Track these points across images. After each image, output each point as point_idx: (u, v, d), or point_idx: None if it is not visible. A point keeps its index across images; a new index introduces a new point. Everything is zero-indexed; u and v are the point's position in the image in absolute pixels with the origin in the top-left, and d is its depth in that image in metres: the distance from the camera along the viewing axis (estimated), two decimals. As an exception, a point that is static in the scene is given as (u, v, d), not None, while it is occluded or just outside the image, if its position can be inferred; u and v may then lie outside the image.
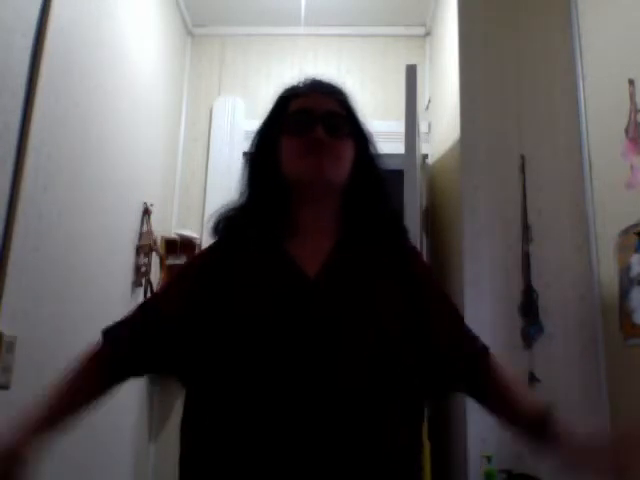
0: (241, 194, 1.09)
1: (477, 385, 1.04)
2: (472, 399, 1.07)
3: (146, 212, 2.57)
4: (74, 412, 0.96)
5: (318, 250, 1.00)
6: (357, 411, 0.87)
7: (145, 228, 2.56)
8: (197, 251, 2.88)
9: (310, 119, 1.02)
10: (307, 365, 0.88)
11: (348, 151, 1.04)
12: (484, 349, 1.07)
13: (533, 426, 0.95)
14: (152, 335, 1.00)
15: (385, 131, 3.01)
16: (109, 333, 1.05)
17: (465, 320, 1.11)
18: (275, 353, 0.89)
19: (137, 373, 1.05)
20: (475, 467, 1.89)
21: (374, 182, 1.08)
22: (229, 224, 1.07)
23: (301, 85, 1.11)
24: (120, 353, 1.01)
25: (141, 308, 1.08)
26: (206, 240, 2.94)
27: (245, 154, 1.11)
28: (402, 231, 1.10)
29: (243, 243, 1.03)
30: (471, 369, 1.03)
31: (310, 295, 0.95)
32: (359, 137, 1.08)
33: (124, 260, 2.40)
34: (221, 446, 0.88)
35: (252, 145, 1.11)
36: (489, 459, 1.84)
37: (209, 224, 1.09)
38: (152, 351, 1.00)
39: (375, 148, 1.10)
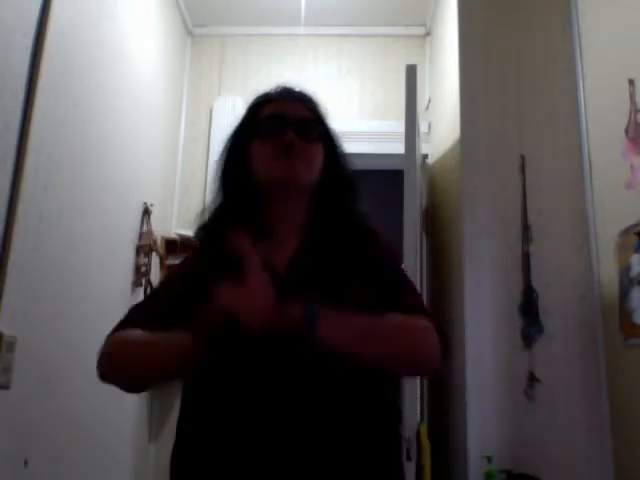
0: (214, 197, 1.13)
1: None
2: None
3: (146, 212, 2.57)
4: None
5: (287, 248, 1.05)
6: (330, 403, 0.91)
7: (145, 228, 2.56)
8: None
9: (282, 123, 1.06)
10: (280, 360, 0.92)
11: (318, 154, 1.09)
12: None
13: None
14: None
15: (385, 131, 3.02)
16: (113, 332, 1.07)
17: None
18: (248, 348, 0.91)
19: None
20: (475, 467, 1.89)
21: (342, 184, 1.12)
22: (205, 229, 1.12)
23: (273, 92, 1.15)
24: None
25: (136, 309, 1.12)
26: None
27: (217, 158, 1.15)
28: (367, 232, 1.12)
29: (217, 246, 1.06)
30: None
31: (280, 289, 0.96)
32: (328, 141, 1.13)
33: (124, 260, 2.40)
34: (199, 443, 0.93)
35: (224, 149, 1.15)
36: (489, 459, 1.84)
37: (193, 231, 1.15)
38: None
39: (343, 153, 1.15)
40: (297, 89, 1.16)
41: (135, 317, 1.09)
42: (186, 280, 1.07)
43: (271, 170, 1.05)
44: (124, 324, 1.08)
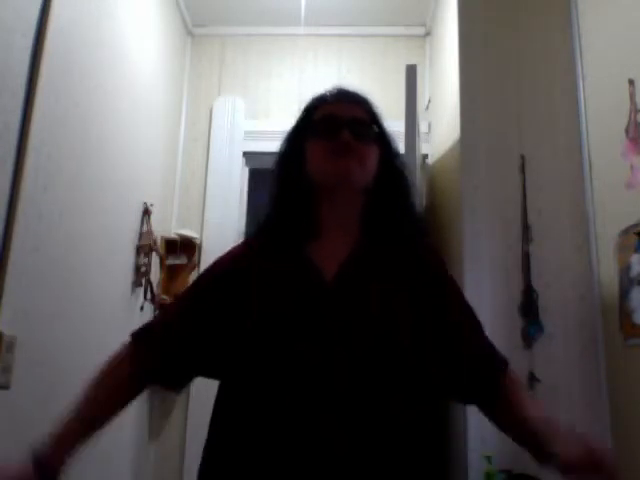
0: (270, 197, 1.12)
1: (491, 399, 1.06)
2: (484, 413, 1.08)
3: (146, 212, 2.57)
4: (105, 419, 0.99)
5: (338, 251, 1.04)
6: (369, 421, 0.90)
7: (145, 228, 2.56)
8: (197, 251, 2.88)
9: (337, 124, 1.06)
10: (320, 370, 0.91)
11: (373, 155, 1.08)
12: (504, 363, 1.10)
13: (536, 450, 0.96)
14: (182, 339, 1.04)
15: (385, 131, 3.01)
16: (138, 336, 1.07)
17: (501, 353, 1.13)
18: (290, 357, 0.93)
19: (167, 379, 1.06)
20: (475, 467, 1.89)
21: (397, 185, 1.12)
22: (257, 229, 1.12)
23: (327, 93, 1.15)
24: (152, 358, 1.03)
25: (167, 312, 1.12)
26: (206, 240, 2.95)
27: (274, 160, 1.15)
28: (422, 232, 1.13)
29: (266, 246, 1.07)
30: (489, 383, 1.06)
31: (325, 301, 0.98)
32: (383, 142, 1.12)
33: (124, 260, 2.40)
34: (239, 441, 0.92)
35: (280, 150, 1.15)
36: (489, 459, 1.84)
37: (247, 229, 1.16)
38: (183, 356, 1.03)
39: (398, 154, 1.15)
40: (352, 90, 1.16)
41: (163, 321, 1.10)
42: (224, 280, 1.06)
43: (326, 170, 1.05)
44: (152, 328, 1.09)
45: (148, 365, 1.03)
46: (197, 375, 1.07)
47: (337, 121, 1.06)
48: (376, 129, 1.11)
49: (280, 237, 1.06)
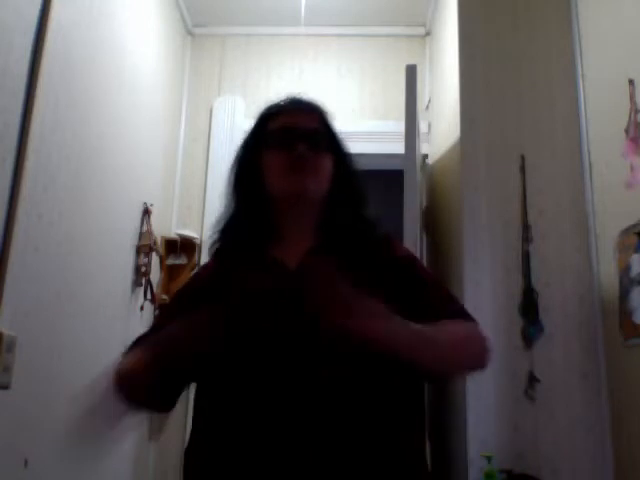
0: (227, 209, 1.15)
1: None
2: None
3: (146, 212, 2.57)
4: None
5: (298, 251, 1.07)
6: (341, 399, 0.91)
7: (145, 228, 2.56)
8: (197, 251, 2.89)
9: (292, 135, 1.07)
10: (294, 354, 0.93)
11: (327, 164, 1.11)
12: (454, 313, 1.05)
13: None
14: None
15: (385, 131, 3.02)
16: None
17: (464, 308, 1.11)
18: (263, 346, 0.94)
19: (159, 401, 1.05)
20: (475, 467, 1.89)
21: (351, 195, 1.14)
22: (220, 240, 1.14)
23: (282, 103, 1.16)
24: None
25: (152, 329, 1.11)
26: (206, 240, 2.94)
27: (229, 169, 1.18)
28: (375, 231, 1.13)
29: (233, 254, 1.11)
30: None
31: (290, 283, 1.00)
32: (337, 152, 1.14)
33: (124, 260, 2.40)
34: (214, 437, 0.93)
35: (235, 161, 1.17)
36: (489, 459, 1.84)
37: (209, 244, 1.17)
38: (170, 374, 1.00)
39: (353, 162, 1.17)
40: (306, 99, 1.17)
41: (152, 336, 1.07)
42: (200, 291, 1.09)
43: (281, 184, 1.07)
44: (139, 344, 1.06)
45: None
46: (185, 387, 1.06)
47: (292, 132, 1.07)
48: (330, 139, 1.13)
49: (244, 244, 1.10)
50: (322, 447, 0.88)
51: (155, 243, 2.62)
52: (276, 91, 1.18)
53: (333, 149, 1.13)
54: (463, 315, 1.06)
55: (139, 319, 2.49)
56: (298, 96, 1.17)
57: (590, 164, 2.13)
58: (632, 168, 1.81)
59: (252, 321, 0.96)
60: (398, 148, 2.44)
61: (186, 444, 1.01)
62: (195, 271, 1.18)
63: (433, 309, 1.02)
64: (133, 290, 2.48)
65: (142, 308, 2.53)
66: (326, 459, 0.88)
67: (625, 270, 1.82)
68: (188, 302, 1.10)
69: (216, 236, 1.15)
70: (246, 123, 3.11)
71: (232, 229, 1.13)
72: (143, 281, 2.54)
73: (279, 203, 1.10)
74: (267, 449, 0.89)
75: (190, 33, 3.29)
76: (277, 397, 0.91)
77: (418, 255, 2.31)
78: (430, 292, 1.07)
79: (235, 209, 1.14)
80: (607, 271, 1.96)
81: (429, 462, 1.88)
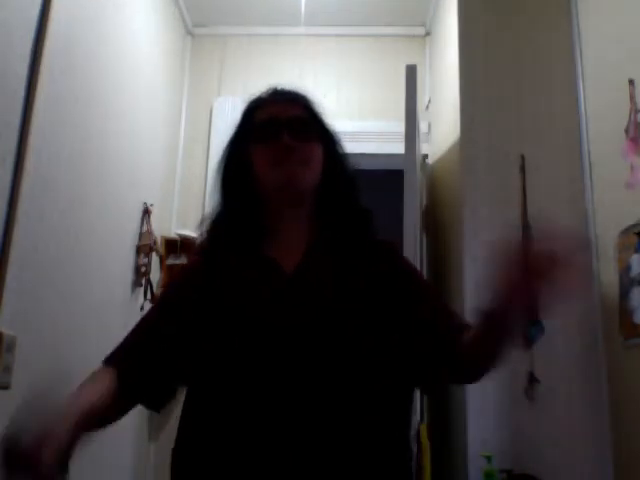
0: (217, 205, 1.12)
1: (450, 360, 1.02)
2: (452, 376, 1.08)
3: (146, 212, 2.57)
4: (100, 416, 0.91)
5: (294, 251, 1.04)
6: (338, 400, 0.91)
7: (145, 228, 2.56)
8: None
9: (276, 126, 1.05)
10: (288, 358, 0.92)
11: (317, 154, 1.07)
12: (462, 326, 1.05)
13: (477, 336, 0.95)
14: (158, 354, 1.01)
15: (385, 131, 3.02)
16: (111, 360, 1.04)
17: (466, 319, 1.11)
18: (257, 346, 0.94)
19: (150, 398, 1.03)
20: (475, 467, 1.89)
21: (344, 183, 1.11)
22: (210, 236, 1.11)
23: (264, 95, 1.14)
24: (127, 376, 0.98)
25: (136, 329, 1.10)
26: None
27: (217, 165, 1.15)
28: (371, 228, 1.12)
29: (224, 252, 1.07)
30: (449, 344, 1.01)
31: (289, 288, 0.99)
32: (326, 139, 1.11)
33: (124, 260, 2.40)
34: (203, 439, 0.93)
35: (223, 157, 1.14)
36: (489, 459, 1.84)
37: (198, 239, 1.14)
38: (162, 372, 1.01)
39: (343, 149, 1.13)
40: (288, 89, 1.15)
41: (135, 338, 1.07)
42: (189, 286, 1.07)
43: (270, 177, 1.04)
44: (122, 348, 1.06)
45: (131, 385, 0.98)
46: (178, 388, 1.05)
47: (276, 123, 1.05)
48: (316, 127, 1.10)
49: (237, 241, 1.07)
50: (311, 449, 0.88)
51: (155, 243, 2.62)
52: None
53: (321, 137, 1.09)
54: (464, 324, 1.06)
55: (139, 319, 2.49)
56: (281, 86, 1.15)
57: (590, 164, 2.13)
58: (632, 168, 1.81)
59: (248, 325, 0.95)
60: (398, 148, 2.43)
61: (174, 443, 0.99)
62: (183, 267, 1.15)
63: (443, 323, 1.03)
64: (133, 290, 2.48)
65: (142, 308, 2.53)
66: (314, 460, 0.87)
67: (625, 270, 1.82)
68: (176, 300, 1.07)
69: (206, 233, 1.12)
70: (246, 123, 3.11)
71: (223, 226, 1.10)
72: (143, 281, 2.54)
73: (271, 197, 1.07)
74: (257, 449, 0.88)
75: (190, 33, 3.29)
76: (271, 399, 0.90)
77: (418, 255, 2.31)
78: (436, 307, 1.07)
79: (226, 206, 1.11)
80: (607, 271, 1.96)
81: (429, 461, 1.88)
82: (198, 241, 1.14)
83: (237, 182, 1.09)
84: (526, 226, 2.11)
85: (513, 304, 0.81)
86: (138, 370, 1.00)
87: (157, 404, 1.04)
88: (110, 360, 1.04)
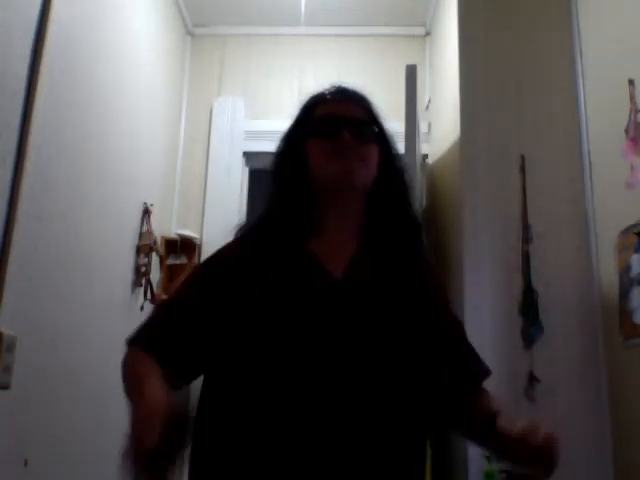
0: (269, 196, 1.10)
1: (466, 405, 1.05)
2: (454, 421, 1.10)
3: (146, 212, 2.57)
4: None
5: (341, 251, 1.03)
6: (376, 414, 0.91)
7: (145, 228, 2.56)
8: (197, 251, 2.88)
9: (337, 124, 1.04)
10: (332, 367, 0.91)
11: (373, 155, 1.07)
12: (487, 372, 1.09)
13: (484, 425, 0.96)
14: (189, 334, 0.99)
15: (385, 131, 3.01)
16: (136, 340, 1.03)
17: (465, 323, 1.14)
18: (300, 351, 0.92)
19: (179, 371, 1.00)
20: (475, 467, 1.89)
21: (398, 186, 1.11)
22: (255, 226, 1.09)
23: (327, 92, 1.13)
24: (166, 362, 0.95)
25: (163, 310, 1.08)
26: (206, 240, 2.95)
27: (272, 159, 1.13)
28: (421, 243, 1.13)
29: (266, 242, 1.04)
30: (471, 387, 1.06)
31: (337, 295, 0.98)
32: (383, 142, 1.11)
33: (124, 260, 2.40)
34: (234, 445, 0.90)
35: (278, 149, 1.13)
36: (489, 459, 1.84)
37: (240, 229, 1.11)
38: (185, 352, 0.99)
39: (398, 153, 1.14)
40: (351, 89, 1.14)
41: (161, 319, 1.05)
42: (223, 275, 1.03)
43: (326, 170, 1.03)
44: (149, 328, 1.04)
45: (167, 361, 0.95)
46: (202, 371, 1.02)
47: (337, 121, 1.05)
48: (376, 129, 1.10)
49: (280, 233, 1.04)
50: (337, 461, 0.87)
51: (155, 243, 2.62)
52: (276, 91, 1.18)
53: (379, 141, 1.09)
54: (488, 371, 1.09)
55: (139, 319, 2.48)
56: (344, 85, 1.15)
57: (590, 164, 2.13)
58: (632, 168, 1.81)
59: (293, 328, 0.93)
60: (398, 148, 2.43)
61: (195, 446, 0.96)
62: (218, 253, 1.09)
63: (469, 367, 1.07)
64: (133, 290, 2.48)
65: (142, 308, 2.53)
66: (345, 468, 0.87)
67: (625, 270, 1.82)
68: (208, 284, 1.03)
69: (252, 224, 1.10)
70: (246, 123, 3.11)
71: (270, 218, 1.08)
72: (143, 281, 2.53)
73: (324, 191, 1.05)
74: (285, 455, 0.88)
75: (190, 33, 3.29)
76: (307, 406, 0.89)
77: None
78: (465, 349, 1.10)
79: (277, 200, 1.09)
80: (607, 271, 1.96)
81: (429, 463, 1.88)
82: (239, 229, 1.11)
83: (291, 175, 1.08)
84: (526, 226, 2.11)
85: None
86: (174, 357, 0.97)
87: (182, 379, 1.00)
88: (147, 344, 1.00)
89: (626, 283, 1.81)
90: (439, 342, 1.03)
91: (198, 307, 1.01)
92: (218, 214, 2.97)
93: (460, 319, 1.16)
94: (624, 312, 1.82)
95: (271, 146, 1.19)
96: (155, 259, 2.68)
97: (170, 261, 2.83)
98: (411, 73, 2.31)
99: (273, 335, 0.93)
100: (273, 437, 0.89)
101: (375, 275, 1.02)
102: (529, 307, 2.03)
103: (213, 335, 0.98)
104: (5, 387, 1.48)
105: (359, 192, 1.06)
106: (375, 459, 0.89)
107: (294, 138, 1.11)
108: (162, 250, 2.78)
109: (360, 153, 1.04)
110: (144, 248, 2.52)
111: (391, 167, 1.10)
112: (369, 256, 1.04)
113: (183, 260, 2.84)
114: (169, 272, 2.82)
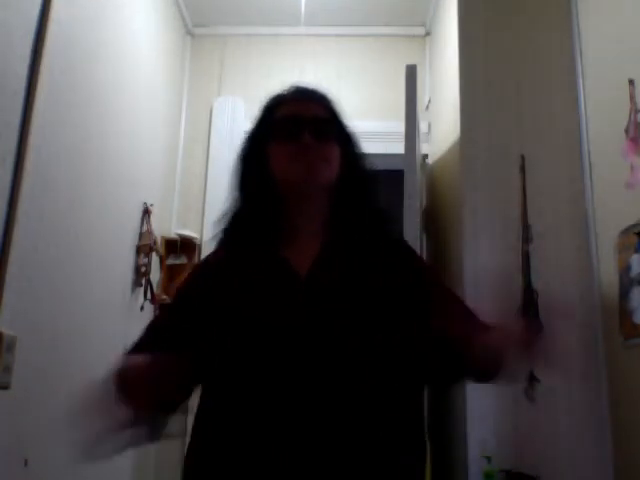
0: (233, 200, 1.13)
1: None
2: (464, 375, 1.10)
3: (146, 212, 2.57)
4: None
5: (308, 250, 1.05)
6: (351, 401, 0.92)
7: (145, 228, 2.56)
8: (197, 251, 2.88)
9: (297, 125, 1.05)
10: (302, 360, 0.92)
11: (335, 154, 1.08)
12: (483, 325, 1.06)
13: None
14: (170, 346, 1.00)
15: (385, 131, 3.01)
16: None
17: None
18: (271, 349, 0.94)
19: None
20: (475, 467, 1.89)
21: (360, 182, 1.12)
22: (226, 233, 1.12)
23: (286, 92, 1.15)
24: None
25: (151, 328, 1.10)
26: (206, 240, 2.95)
27: (235, 161, 1.15)
28: (388, 228, 1.13)
29: (239, 248, 1.08)
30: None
31: (301, 294, 0.99)
32: (344, 140, 1.12)
33: (124, 260, 2.40)
34: (220, 437, 0.93)
35: (241, 152, 1.15)
36: (489, 459, 1.84)
37: (213, 236, 1.14)
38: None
39: (360, 150, 1.15)
40: (311, 88, 1.15)
41: (152, 334, 1.07)
42: (203, 283, 1.07)
43: (289, 172, 1.05)
44: (140, 344, 1.05)
45: None
46: (193, 388, 1.04)
47: (297, 122, 1.06)
48: (336, 127, 1.11)
49: (252, 240, 1.07)
50: (326, 449, 0.88)
51: (155, 243, 2.62)
52: (276, 91, 1.18)
53: (340, 138, 1.10)
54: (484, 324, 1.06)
55: (139, 319, 2.48)
56: (303, 85, 1.15)
57: (590, 164, 2.13)
58: (632, 168, 1.81)
59: (260, 329, 0.96)
60: (398, 148, 2.43)
61: (187, 446, 0.99)
62: (196, 265, 1.15)
63: (466, 322, 1.05)
64: (133, 290, 2.48)
65: (142, 308, 2.53)
66: (329, 460, 0.88)
67: (625, 270, 1.82)
68: (190, 299, 1.08)
69: (221, 231, 1.12)
70: (246, 123, 3.10)
71: (239, 223, 1.10)
72: (143, 281, 2.54)
73: (287, 193, 1.07)
74: (273, 450, 0.89)
75: (190, 33, 3.29)
76: (284, 400, 0.91)
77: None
78: (456, 307, 1.09)
79: (242, 203, 1.11)
80: (607, 271, 1.96)
81: (429, 462, 1.88)
82: (215, 237, 1.13)
83: (254, 178, 1.10)
84: (526, 226, 2.11)
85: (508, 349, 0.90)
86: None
87: (174, 405, 1.01)
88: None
89: (626, 283, 1.82)
90: (417, 309, 1.02)
91: (179, 326, 1.04)
92: (218, 214, 2.97)
93: (454, 291, 1.14)
94: (624, 312, 1.82)
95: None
96: (155, 259, 2.68)
97: (170, 261, 2.83)
98: (411, 73, 2.32)
99: (243, 335, 0.96)
100: (253, 432, 0.91)
101: (340, 270, 1.03)
102: (529, 307, 2.03)
103: (196, 348, 1.00)
104: (5, 387, 1.48)
105: (323, 191, 1.07)
106: (358, 444, 0.90)
107: (256, 140, 1.12)
108: (162, 250, 2.78)
109: (321, 153, 1.05)
110: (144, 248, 2.52)
111: (353, 164, 1.11)
112: (335, 251, 1.05)
113: (183, 260, 2.84)
114: (169, 272, 2.82)
